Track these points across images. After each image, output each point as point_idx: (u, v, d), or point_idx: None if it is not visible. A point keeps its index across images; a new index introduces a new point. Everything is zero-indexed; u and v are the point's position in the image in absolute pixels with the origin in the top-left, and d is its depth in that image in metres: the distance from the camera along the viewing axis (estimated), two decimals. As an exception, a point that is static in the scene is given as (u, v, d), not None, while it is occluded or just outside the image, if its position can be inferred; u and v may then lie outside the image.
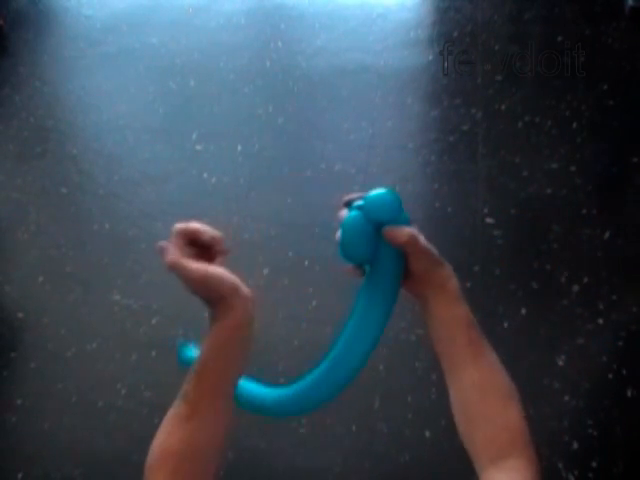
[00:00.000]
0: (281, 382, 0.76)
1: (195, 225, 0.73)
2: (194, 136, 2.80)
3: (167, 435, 0.68)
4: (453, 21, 3.11)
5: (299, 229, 2.47)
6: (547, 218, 2.41)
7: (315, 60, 3.04)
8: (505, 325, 2.15)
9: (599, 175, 2.52)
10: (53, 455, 2.04)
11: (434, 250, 0.75)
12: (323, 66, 3.01)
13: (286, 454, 1.96)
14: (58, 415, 2.11)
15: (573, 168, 2.51)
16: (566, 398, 1.99)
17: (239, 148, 2.74)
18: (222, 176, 2.66)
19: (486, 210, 2.43)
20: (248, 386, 0.85)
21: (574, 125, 2.64)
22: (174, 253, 0.69)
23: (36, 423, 2.10)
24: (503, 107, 2.74)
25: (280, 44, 3.13)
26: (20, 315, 2.37)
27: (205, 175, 2.66)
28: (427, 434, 1.95)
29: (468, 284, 2.15)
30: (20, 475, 2.01)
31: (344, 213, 0.76)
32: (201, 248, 0.73)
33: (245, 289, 0.72)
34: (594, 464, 1.88)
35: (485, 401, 0.72)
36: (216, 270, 0.71)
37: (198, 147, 2.77)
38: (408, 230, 0.73)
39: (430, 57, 2.97)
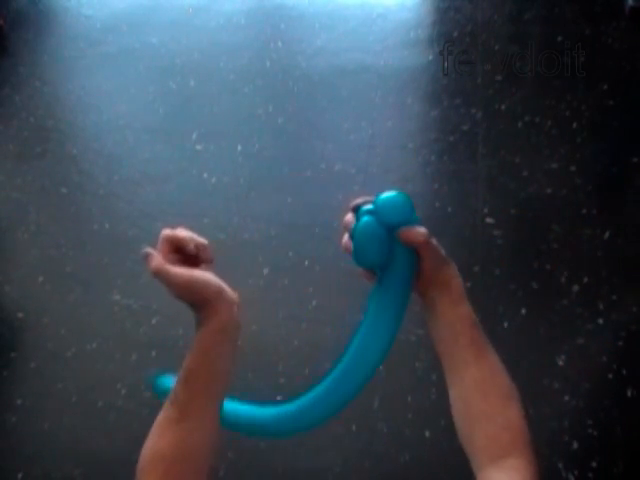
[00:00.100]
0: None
1: (181, 233, 0.72)
2: (194, 136, 2.80)
3: (158, 438, 0.69)
4: (453, 21, 3.11)
5: (299, 229, 2.47)
6: (547, 218, 2.41)
7: (315, 60, 3.04)
8: (505, 325, 2.15)
9: (599, 175, 2.52)
10: (53, 455, 2.04)
11: (442, 249, 0.76)
12: (323, 66, 3.01)
13: (286, 454, 1.96)
14: (58, 415, 2.11)
15: (573, 168, 2.51)
16: (566, 398, 1.99)
17: (239, 148, 2.74)
18: (222, 176, 2.66)
19: (486, 210, 2.43)
20: (239, 408, 0.84)
21: (574, 125, 2.64)
22: (158, 259, 0.69)
23: (36, 423, 2.10)
24: (503, 107, 2.74)
25: (280, 44, 3.13)
26: (20, 315, 2.37)
27: (205, 175, 2.66)
28: (427, 434, 1.95)
29: (468, 284, 2.14)
30: (20, 475, 2.01)
31: (350, 218, 0.75)
32: (187, 255, 0.73)
33: (230, 293, 0.72)
34: (594, 464, 1.87)
35: (486, 400, 0.73)
36: (200, 274, 0.71)
37: (198, 147, 2.77)
38: (423, 230, 0.73)
39: (430, 57, 2.97)
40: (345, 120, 2.78)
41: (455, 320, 0.75)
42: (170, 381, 0.88)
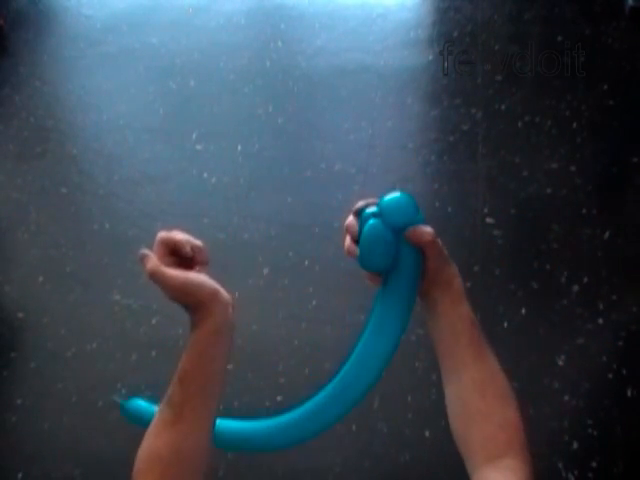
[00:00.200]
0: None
1: (177, 236, 0.73)
2: (194, 136, 2.80)
3: (154, 440, 0.69)
4: (453, 21, 3.11)
5: (299, 229, 2.47)
6: (547, 218, 2.41)
7: (315, 60, 3.04)
8: (505, 325, 2.15)
9: (599, 175, 2.52)
10: (53, 455, 2.04)
11: (444, 248, 0.76)
12: (323, 66, 3.01)
13: (286, 454, 1.95)
14: (58, 415, 2.11)
15: (573, 168, 2.51)
16: (566, 398, 1.99)
17: (239, 148, 2.74)
18: (222, 176, 2.65)
19: (486, 210, 2.43)
20: (232, 425, 0.83)
21: (574, 125, 2.64)
22: (154, 261, 0.70)
23: (36, 423, 2.10)
24: (503, 107, 2.74)
25: (280, 44, 3.13)
26: (20, 315, 2.37)
27: (205, 175, 2.66)
28: (427, 434, 1.95)
29: (468, 284, 2.15)
30: (20, 475, 2.01)
31: (353, 222, 0.74)
32: (182, 257, 0.73)
33: (225, 295, 0.73)
34: (594, 464, 1.88)
35: (484, 400, 0.73)
36: (195, 276, 0.71)
37: (198, 147, 2.77)
38: (430, 229, 0.73)
39: (430, 57, 2.97)
40: (345, 120, 2.78)
41: (456, 320, 0.75)
42: (141, 405, 0.88)
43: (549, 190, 2.46)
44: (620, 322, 2.14)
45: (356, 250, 0.74)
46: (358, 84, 2.91)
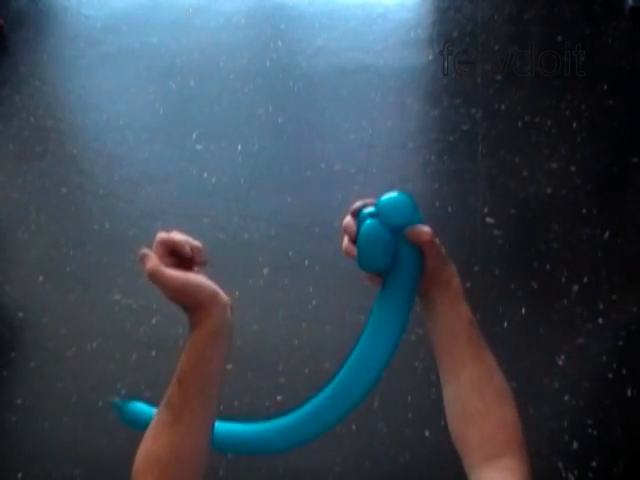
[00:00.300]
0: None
1: (176, 237, 0.73)
2: (194, 136, 2.80)
3: (152, 441, 0.69)
4: (453, 21, 3.11)
5: (299, 229, 2.47)
6: (547, 218, 2.41)
7: (315, 60, 3.04)
8: (505, 325, 2.15)
9: (599, 175, 2.52)
10: (53, 455, 2.05)
11: (442, 248, 0.76)
12: (323, 66, 3.01)
13: (286, 454, 1.95)
14: (58, 415, 2.11)
15: (573, 168, 2.51)
16: (566, 398, 1.99)
17: (239, 148, 2.74)
18: (222, 176, 2.66)
19: (486, 210, 2.43)
20: (232, 427, 0.83)
21: (574, 125, 2.64)
22: (154, 260, 0.70)
23: (36, 423, 2.10)
24: (503, 107, 2.74)
25: (280, 44, 3.13)
26: (20, 315, 2.37)
27: (205, 175, 2.66)
28: (427, 434, 1.95)
29: (468, 284, 2.15)
30: (20, 475, 2.01)
31: (351, 222, 0.74)
32: (181, 258, 0.73)
33: (223, 296, 0.73)
34: (594, 464, 1.88)
35: (482, 399, 0.73)
36: (195, 277, 0.72)
37: (198, 147, 2.77)
38: (428, 229, 0.73)
39: (430, 57, 2.97)
40: (345, 120, 2.78)
41: (454, 319, 0.75)
42: (139, 408, 0.88)
43: (549, 190, 2.46)
44: (620, 322, 2.14)
45: (354, 250, 0.73)
46: (358, 84, 2.91)
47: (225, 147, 2.75)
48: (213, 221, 2.50)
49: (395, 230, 0.72)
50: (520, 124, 2.67)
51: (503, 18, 3.09)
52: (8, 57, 3.26)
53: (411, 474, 1.92)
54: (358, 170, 2.60)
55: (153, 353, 2.19)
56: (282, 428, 0.80)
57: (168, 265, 0.71)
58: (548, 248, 2.32)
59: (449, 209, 2.44)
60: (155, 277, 0.69)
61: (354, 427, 1.98)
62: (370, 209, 0.73)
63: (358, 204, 0.75)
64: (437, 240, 0.74)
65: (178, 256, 0.73)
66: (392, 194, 0.73)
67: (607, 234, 2.32)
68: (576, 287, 2.21)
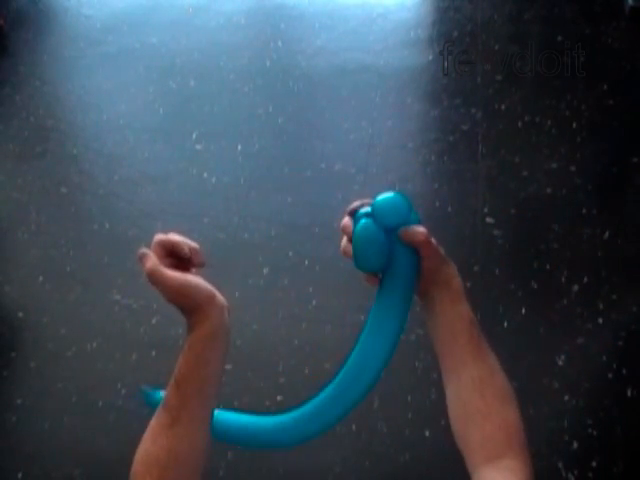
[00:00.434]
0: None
1: (174, 238, 0.73)
2: (194, 136, 2.80)
3: (151, 443, 0.69)
4: (453, 21, 3.11)
5: (299, 229, 2.47)
6: (547, 218, 2.41)
7: (315, 60, 3.04)
8: (505, 325, 2.15)
9: (599, 175, 2.52)
10: (53, 455, 2.04)
11: (441, 248, 0.76)
12: (323, 66, 3.01)
13: (286, 454, 1.95)
14: (58, 415, 2.11)
15: (573, 168, 2.51)
16: (566, 398, 1.99)
17: (239, 148, 2.74)
18: (222, 176, 2.66)
19: (486, 210, 2.43)
20: (234, 418, 0.83)
21: (574, 125, 2.64)
22: (154, 260, 0.70)
23: (36, 423, 2.10)
24: (503, 107, 2.74)
25: (280, 44, 3.13)
26: (20, 315, 2.37)
27: (205, 175, 2.66)
28: (427, 434, 1.95)
29: (468, 284, 2.15)
30: (20, 475, 2.01)
31: (348, 222, 0.75)
32: (179, 259, 0.74)
33: (221, 298, 0.73)
34: (594, 464, 1.88)
35: (484, 399, 0.73)
36: (193, 279, 0.72)
37: (198, 147, 2.77)
38: (422, 229, 0.73)
39: (430, 57, 2.97)
40: (345, 120, 2.78)
41: (455, 319, 0.75)
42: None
43: (549, 190, 2.46)
44: (620, 322, 2.14)
45: (352, 250, 0.74)
46: (358, 84, 2.91)
47: (225, 147, 2.75)
48: (213, 221, 2.50)
49: (390, 230, 0.72)
50: (520, 124, 2.67)
51: (503, 18, 3.09)
52: (8, 57, 3.26)
53: (411, 474, 1.92)
54: (358, 170, 2.60)
55: (153, 353, 2.19)
56: (282, 425, 0.80)
57: (166, 266, 0.71)
58: (548, 248, 2.32)
59: (449, 209, 2.44)
60: (154, 277, 0.70)
61: (354, 427, 1.98)
62: (366, 209, 0.74)
63: (356, 204, 0.75)
64: (434, 240, 0.74)
65: (176, 257, 0.73)
66: (387, 194, 0.73)
67: (607, 234, 2.32)
68: (576, 287, 2.21)
